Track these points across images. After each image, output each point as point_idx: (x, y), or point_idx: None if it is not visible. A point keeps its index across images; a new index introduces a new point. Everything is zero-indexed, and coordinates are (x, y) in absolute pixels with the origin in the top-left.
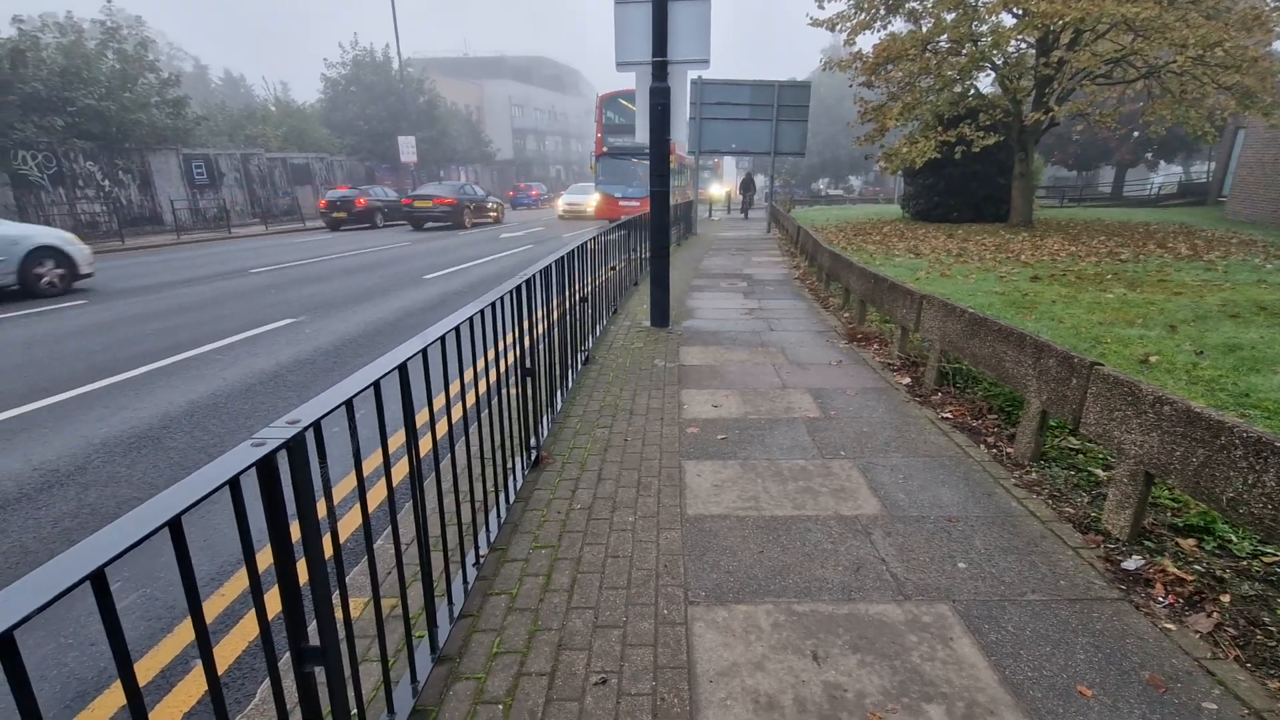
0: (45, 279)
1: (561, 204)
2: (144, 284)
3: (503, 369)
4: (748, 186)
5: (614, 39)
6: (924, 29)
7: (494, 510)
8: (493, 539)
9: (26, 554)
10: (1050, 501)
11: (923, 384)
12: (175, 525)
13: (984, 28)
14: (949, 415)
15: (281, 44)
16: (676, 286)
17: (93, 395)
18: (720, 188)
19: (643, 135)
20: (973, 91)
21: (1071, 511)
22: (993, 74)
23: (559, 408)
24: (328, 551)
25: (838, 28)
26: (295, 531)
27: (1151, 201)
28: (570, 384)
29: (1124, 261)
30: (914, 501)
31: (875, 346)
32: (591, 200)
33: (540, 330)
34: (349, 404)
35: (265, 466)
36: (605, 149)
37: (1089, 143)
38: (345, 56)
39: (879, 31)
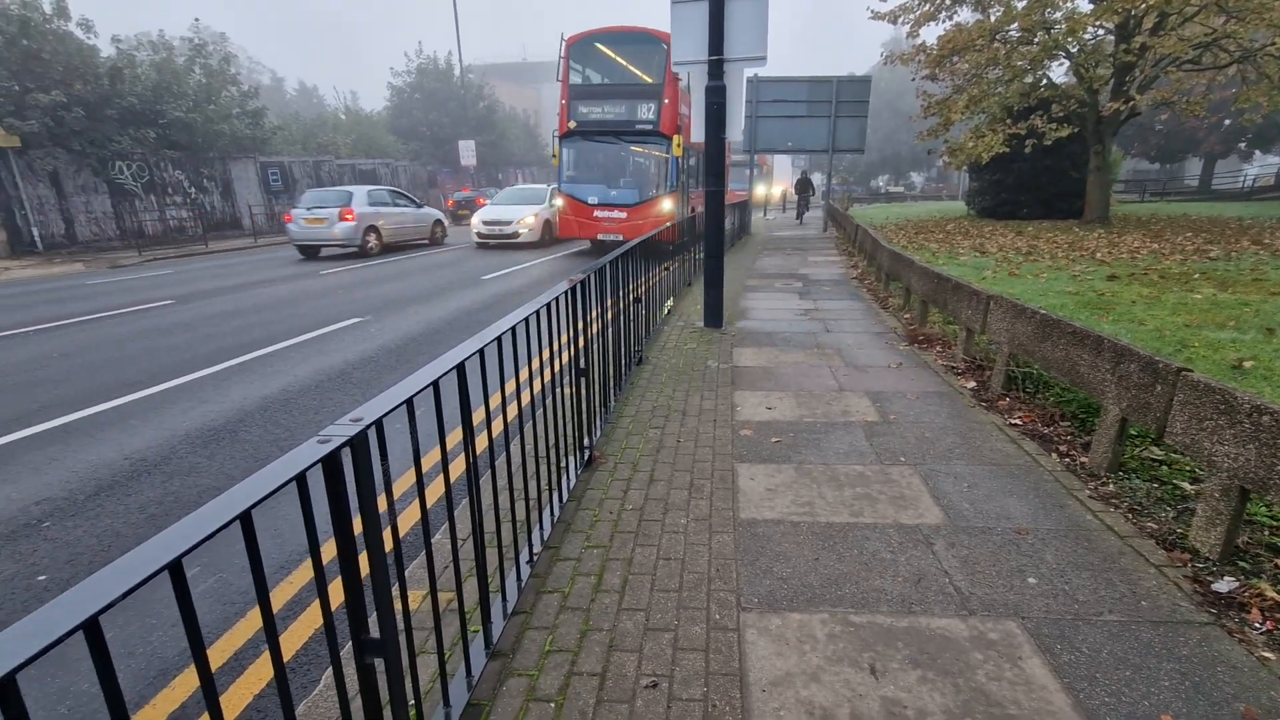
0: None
1: (477, 223)
2: (225, 284)
3: (557, 369)
4: (805, 187)
5: (672, 40)
6: (992, 18)
7: (547, 509)
8: (546, 537)
9: (118, 537)
10: (1130, 516)
11: (989, 388)
12: (246, 519)
13: (1058, 14)
14: (1017, 421)
15: (352, 55)
16: (730, 287)
17: (177, 389)
18: (766, 187)
19: (699, 135)
20: (1045, 82)
21: (1154, 527)
22: (1067, 63)
23: (612, 408)
24: (387, 545)
25: (900, 20)
26: (356, 525)
27: (1245, 195)
28: (623, 384)
29: (1213, 260)
30: (979, 512)
31: (938, 349)
32: (534, 214)
33: (594, 330)
34: (409, 403)
35: (330, 463)
36: (572, 124)
37: (1174, 133)
38: (410, 65)
39: (944, 23)
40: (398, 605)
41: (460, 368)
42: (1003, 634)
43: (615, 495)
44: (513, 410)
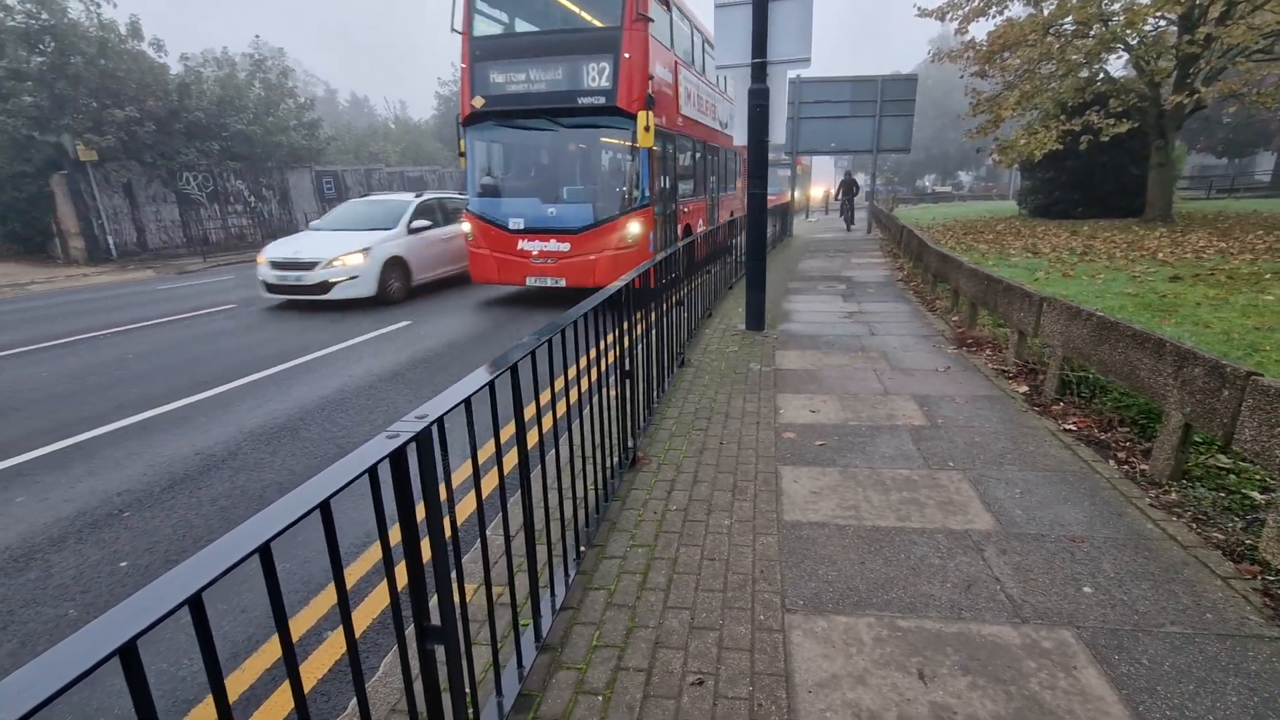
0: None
1: (265, 265)
2: None
3: (602, 369)
4: (849, 189)
5: (714, 43)
6: (1045, 12)
7: (593, 507)
8: (592, 535)
9: (191, 527)
10: (1194, 525)
11: (1042, 392)
12: (325, 508)
13: (1116, 6)
14: (1072, 427)
15: (402, 66)
16: (772, 289)
17: (242, 389)
18: (803, 190)
19: (741, 138)
20: (1101, 76)
21: (1220, 538)
22: (1125, 56)
23: (655, 410)
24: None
25: (948, 17)
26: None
27: None
28: (666, 386)
29: None
30: (1032, 518)
31: (987, 352)
32: (364, 249)
33: (638, 332)
34: (467, 402)
35: (397, 457)
36: (478, 101)
37: (1242, 126)
38: (456, 73)
39: (994, 18)
40: (455, 595)
41: (514, 368)
42: (1057, 643)
43: (659, 496)
44: (560, 409)
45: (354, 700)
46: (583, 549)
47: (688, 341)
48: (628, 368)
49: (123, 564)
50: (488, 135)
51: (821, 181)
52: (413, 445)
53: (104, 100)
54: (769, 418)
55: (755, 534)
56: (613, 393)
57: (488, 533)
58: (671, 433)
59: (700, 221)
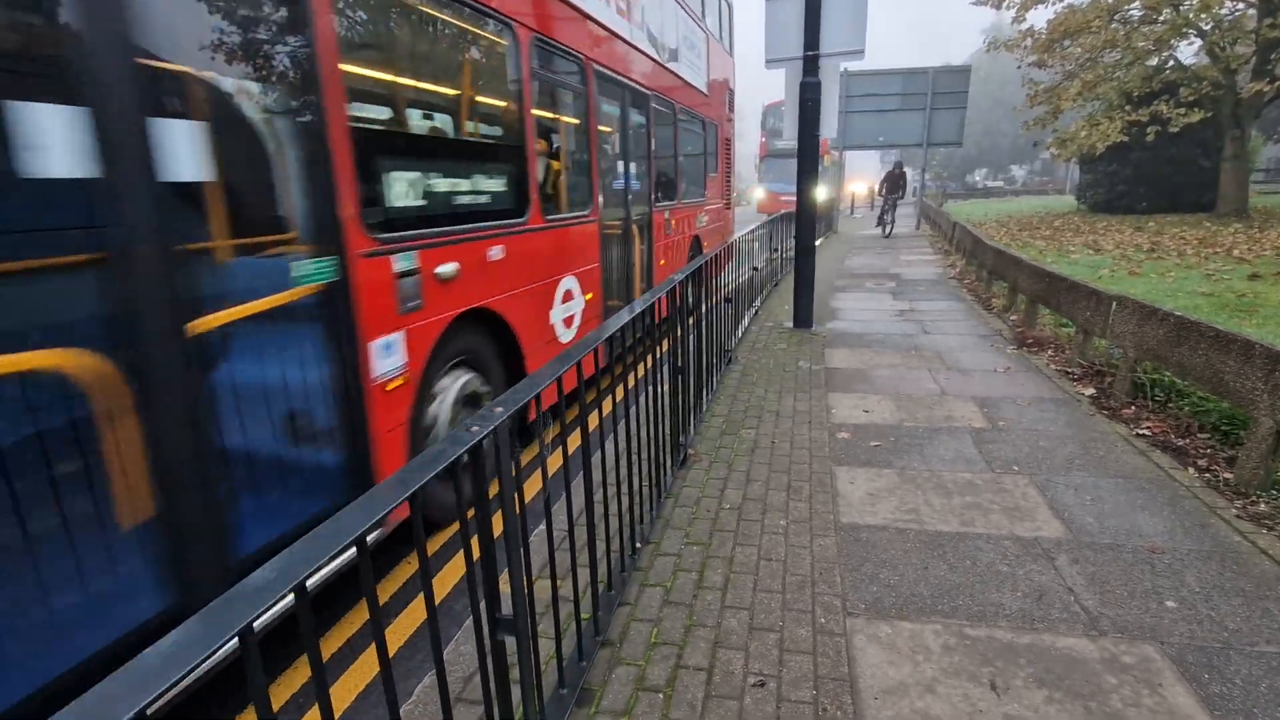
0: None
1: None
2: None
3: (651, 363)
4: (895, 185)
5: (764, 38)
6: None
7: (648, 503)
8: (647, 533)
9: None
10: None
11: (1111, 395)
12: (414, 499)
13: None
14: (1146, 432)
15: None
16: (818, 286)
17: None
18: (833, 187)
19: (791, 132)
20: (1171, 64)
21: None
22: (1198, 42)
23: (705, 408)
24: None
25: (1004, 4)
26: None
27: None
28: (714, 384)
29: None
30: (1105, 527)
31: (1049, 352)
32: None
33: (690, 328)
34: (538, 398)
35: (475, 451)
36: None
37: None
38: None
39: (1053, 5)
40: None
41: (579, 364)
42: (1139, 658)
43: (712, 494)
44: (609, 404)
45: (418, 685)
46: (638, 545)
47: (735, 339)
48: (679, 363)
49: None
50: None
51: (860, 176)
52: (490, 438)
53: None
54: (821, 417)
55: (813, 535)
56: (665, 387)
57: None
58: (722, 430)
59: (667, 250)
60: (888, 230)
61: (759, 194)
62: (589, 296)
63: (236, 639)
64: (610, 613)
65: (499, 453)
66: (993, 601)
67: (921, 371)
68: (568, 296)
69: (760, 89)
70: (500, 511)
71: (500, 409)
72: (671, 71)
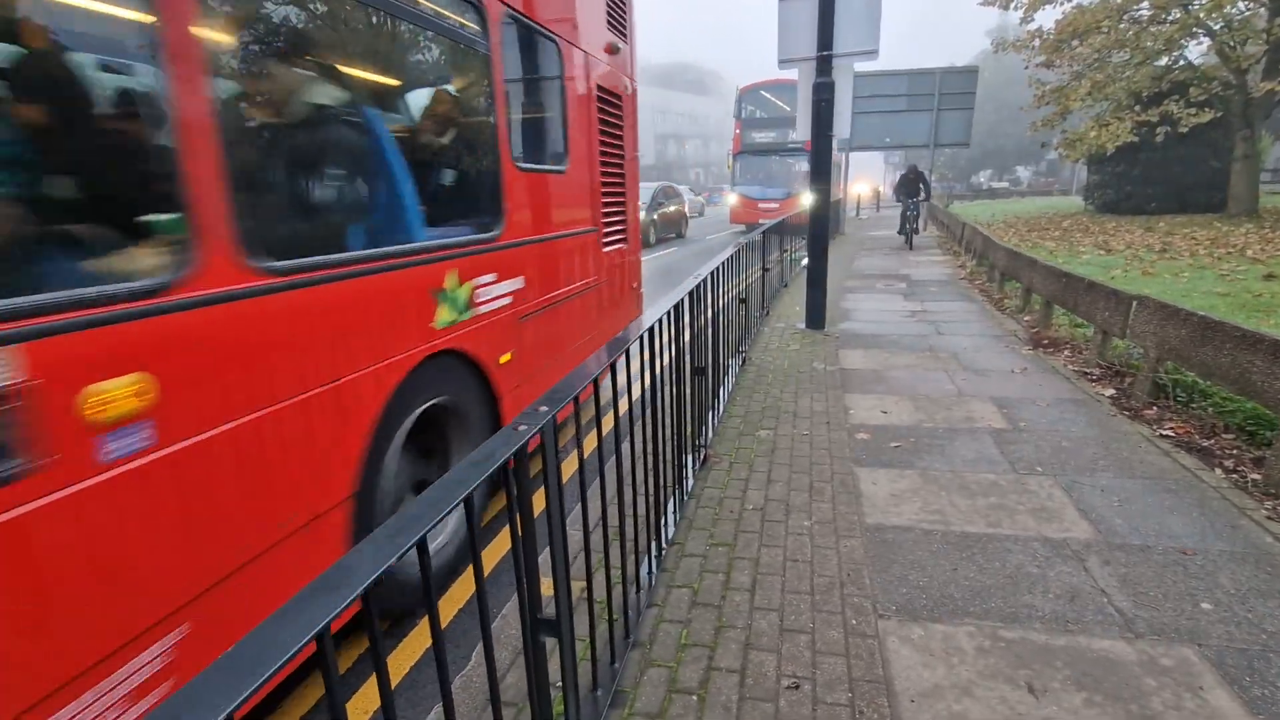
0: None
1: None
2: None
3: (667, 361)
4: (913, 188)
5: (776, 36)
6: None
7: (672, 502)
8: (671, 534)
9: None
10: None
11: (1132, 396)
12: (469, 501)
13: None
14: (1169, 432)
15: None
16: (829, 287)
17: None
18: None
19: (804, 133)
20: (1181, 63)
21: None
22: (1207, 42)
23: (722, 408)
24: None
25: (1012, 4)
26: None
27: None
28: (730, 385)
29: None
30: (1135, 528)
31: (1066, 353)
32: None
33: (708, 329)
34: (575, 399)
35: (521, 452)
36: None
37: None
38: None
39: (1061, 5)
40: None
41: (612, 366)
42: (1178, 660)
43: (734, 495)
44: (634, 406)
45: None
46: (664, 546)
47: (748, 340)
48: (700, 363)
49: None
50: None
51: (864, 177)
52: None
53: None
54: (839, 418)
55: (838, 536)
56: (687, 388)
57: (568, 527)
58: (740, 431)
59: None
60: (911, 240)
61: (731, 199)
62: None
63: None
64: (639, 614)
65: (545, 450)
66: (1025, 603)
67: (938, 372)
68: None
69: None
70: (545, 503)
71: (545, 408)
72: None
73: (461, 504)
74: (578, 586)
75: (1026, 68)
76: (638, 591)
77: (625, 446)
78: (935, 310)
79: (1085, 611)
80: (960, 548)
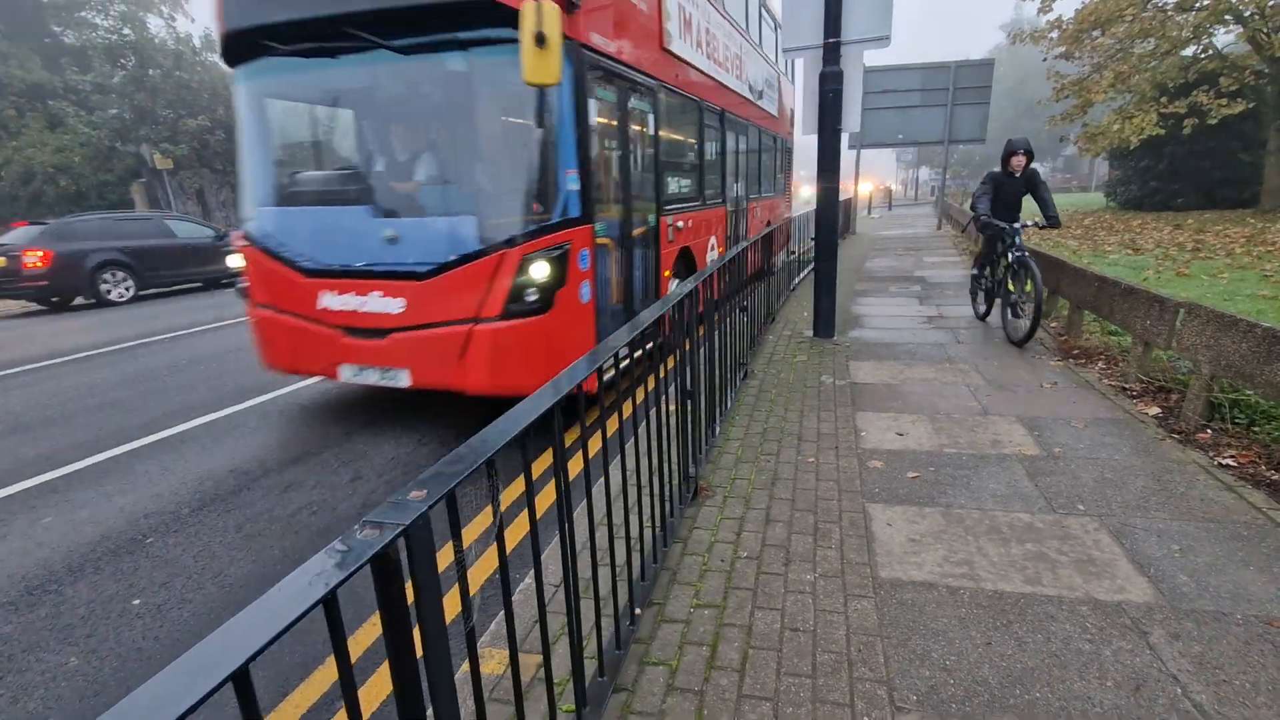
0: None
1: None
2: None
3: (649, 383)
4: (1016, 198)
5: (782, 23)
6: None
7: (649, 552)
8: (648, 591)
9: (213, 558)
10: None
11: (1181, 416)
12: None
13: None
14: (1230, 462)
15: None
16: (837, 291)
17: (295, 392)
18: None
19: (811, 127)
20: (1209, 52)
21: None
22: (1237, 29)
23: (717, 431)
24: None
25: None
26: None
27: None
28: (729, 402)
29: None
30: (1204, 588)
31: (1100, 365)
32: None
33: (701, 345)
34: (489, 464)
35: (383, 556)
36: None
37: None
38: None
39: None
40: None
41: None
42: None
43: (726, 539)
44: (603, 434)
45: None
46: (638, 611)
47: (750, 349)
48: (689, 385)
49: (135, 602)
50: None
51: (871, 176)
52: (401, 541)
53: (179, 110)
54: (849, 441)
55: (847, 595)
56: (671, 406)
57: (517, 597)
58: (737, 458)
59: (710, 249)
60: (986, 311)
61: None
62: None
63: None
64: (601, 707)
65: (415, 569)
66: (1077, 694)
67: (959, 386)
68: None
69: None
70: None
71: (418, 494)
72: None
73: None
74: (531, 662)
75: (1045, 60)
76: (601, 676)
77: (598, 486)
78: (953, 316)
79: (1155, 708)
80: (994, 612)
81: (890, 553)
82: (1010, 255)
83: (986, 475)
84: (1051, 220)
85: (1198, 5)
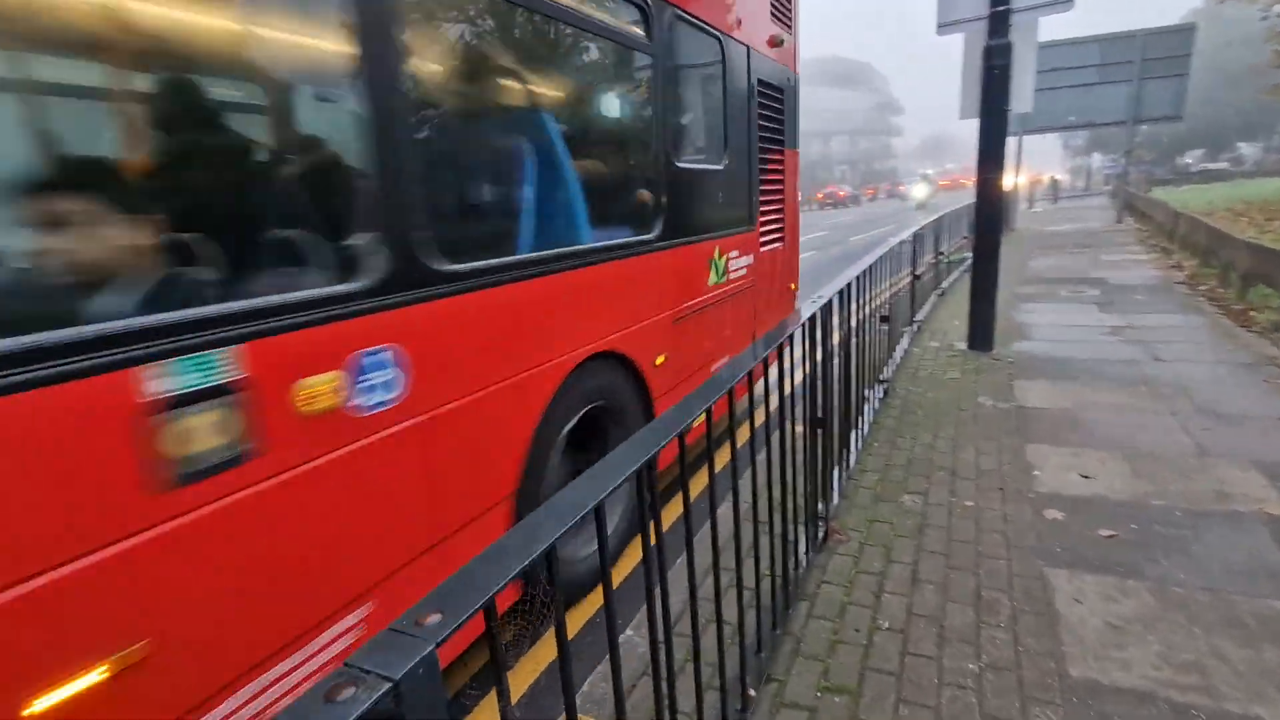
0: None
1: None
2: None
3: (772, 406)
4: None
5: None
6: None
7: (767, 616)
8: (766, 664)
9: None
10: None
11: None
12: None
13: None
14: None
15: None
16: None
17: None
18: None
19: (971, 108)
20: None
21: None
22: None
23: (853, 462)
24: None
25: None
26: None
27: None
28: (866, 428)
29: None
30: None
31: None
32: None
33: (835, 366)
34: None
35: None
36: None
37: None
38: None
39: None
40: None
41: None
42: None
43: (863, 601)
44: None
45: None
46: (752, 693)
47: (891, 364)
48: (820, 413)
49: None
50: None
51: (1029, 165)
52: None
53: None
54: (1018, 482)
55: (1024, 697)
56: (799, 437)
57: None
58: (876, 495)
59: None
60: None
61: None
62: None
63: None
64: None
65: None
66: None
67: (1163, 416)
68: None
69: None
70: None
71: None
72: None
73: None
74: None
75: (1264, 18)
76: None
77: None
78: (1146, 325)
79: None
80: None
81: (1083, 641)
82: None
83: (1214, 540)
84: None
85: None
